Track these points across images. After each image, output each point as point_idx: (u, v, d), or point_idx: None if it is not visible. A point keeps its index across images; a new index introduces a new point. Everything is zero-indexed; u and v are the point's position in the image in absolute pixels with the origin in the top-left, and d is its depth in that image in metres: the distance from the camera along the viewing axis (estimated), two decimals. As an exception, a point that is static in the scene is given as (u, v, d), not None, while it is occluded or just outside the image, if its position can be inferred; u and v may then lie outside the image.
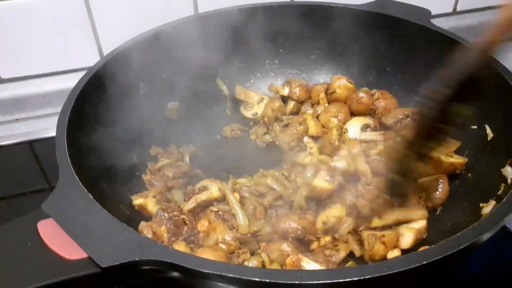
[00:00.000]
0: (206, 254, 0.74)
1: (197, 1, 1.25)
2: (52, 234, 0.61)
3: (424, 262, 0.57)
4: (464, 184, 0.89)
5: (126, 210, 0.82)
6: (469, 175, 0.89)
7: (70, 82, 0.90)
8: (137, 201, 0.87)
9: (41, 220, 0.63)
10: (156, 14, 1.11)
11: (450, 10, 1.45)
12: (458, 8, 1.45)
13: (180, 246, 0.79)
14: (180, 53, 1.09)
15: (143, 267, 0.59)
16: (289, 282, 0.56)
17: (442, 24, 1.15)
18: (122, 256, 0.58)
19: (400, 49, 1.09)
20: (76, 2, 1.18)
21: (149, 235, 0.79)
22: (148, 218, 0.87)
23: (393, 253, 0.80)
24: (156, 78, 1.07)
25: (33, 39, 1.21)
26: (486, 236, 0.61)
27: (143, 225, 0.81)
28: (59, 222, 0.61)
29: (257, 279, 0.56)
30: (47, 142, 1.17)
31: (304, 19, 1.15)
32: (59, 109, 0.83)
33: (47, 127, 1.20)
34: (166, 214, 0.82)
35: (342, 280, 0.55)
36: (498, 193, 0.76)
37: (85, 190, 0.67)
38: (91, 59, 0.97)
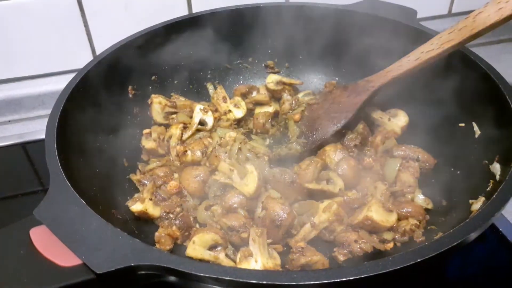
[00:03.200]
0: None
1: (191, 1, 1.22)
2: (45, 241, 0.57)
3: (419, 260, 0.56)
4: (453, 181, 0.87)
5: (118, 215, 0.79)
6: (458, 172, 0.88)
7: (64, 83, 0.87)
8: (136, 207, 0.82)
9: (33, 227, 0.59)
10: (149, 15, 1.07)
11: (446, 12, 1.43)
12: (453, 10, 1.43)
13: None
14: (171, 55, 1.06)
15: (139, 272, 0.56)
16: (286, 283, 0.54)
17: (437, 26, 1.13)
18: (117, 261, 0.56)
19: (388, 47, 1.06)
20: (69, 3, 1.14)
21: (168, 244, 0.79)
22: (145, 221, 0.84)
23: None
24: (146, 80, 1.04)
25: (26, 40, 1.17)
26: (477, 232, 0.60)
27: (158, 236, 0.79)
28: (52, 229, 0.58)
29: (253, 281, 0.54)
30: (40, 143, 1.11)
31: (293, 19, 1.12)
32: (53, 111, 0.79)
33: (40, 128, 1.16)
34: (171, 215, 0.82)
35: (338, 280, 0.54)
36: (487, 189, 0.74)
37: (77, 195, 0.64)
38: (85, 60, 0.94)
